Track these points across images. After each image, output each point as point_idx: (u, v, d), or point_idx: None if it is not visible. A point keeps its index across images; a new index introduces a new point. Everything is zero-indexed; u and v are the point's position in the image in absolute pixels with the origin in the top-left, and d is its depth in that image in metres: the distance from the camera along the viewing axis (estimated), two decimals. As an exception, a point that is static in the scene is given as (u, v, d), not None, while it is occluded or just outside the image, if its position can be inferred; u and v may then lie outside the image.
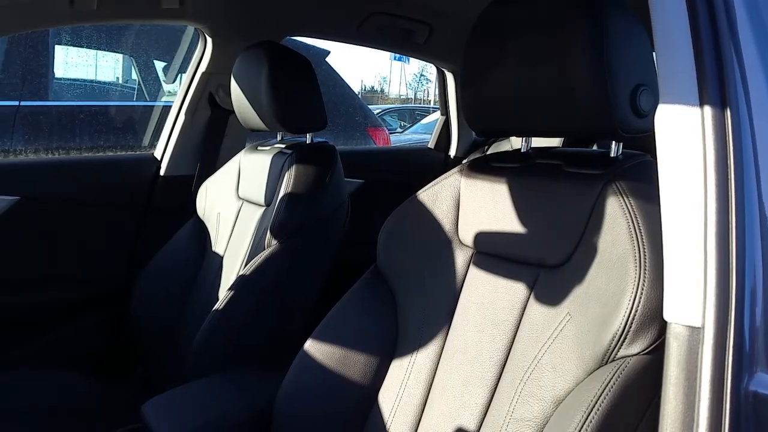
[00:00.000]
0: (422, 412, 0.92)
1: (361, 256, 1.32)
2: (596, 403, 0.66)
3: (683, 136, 0.57)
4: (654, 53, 0.76)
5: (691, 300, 0.55)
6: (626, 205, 0.76)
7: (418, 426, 0.91)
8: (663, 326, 0.67)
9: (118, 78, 3.27)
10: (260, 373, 1.17)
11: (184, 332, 1.44)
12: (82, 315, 1.65)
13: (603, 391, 0.66)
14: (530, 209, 0.88)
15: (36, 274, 1.59)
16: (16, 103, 2.46)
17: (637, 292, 0.68)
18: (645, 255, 0.70)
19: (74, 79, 2.96)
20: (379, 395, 0.97)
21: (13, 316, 1.55)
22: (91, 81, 3.08)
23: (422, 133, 6.28)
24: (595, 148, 1.84)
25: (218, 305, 1.25)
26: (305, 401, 0.98)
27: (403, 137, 6.62)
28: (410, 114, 10.14)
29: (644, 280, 0.68)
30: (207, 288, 1.48)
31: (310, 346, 1.00)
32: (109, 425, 1.07)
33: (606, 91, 0.77)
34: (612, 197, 0.78)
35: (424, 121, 7.74)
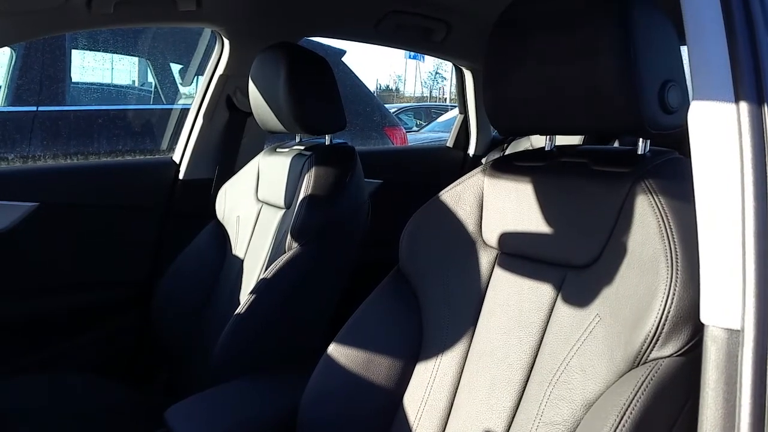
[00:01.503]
0: (448, 415, 0.91)
1: (383, 256, 1.31)
2: (629, 406, 0.64)
3: (718, 133, 0.55)
4: (683, 48, 0.74)
5: (729, 302, 0.54)
6: (656, 203, 0.74)
7: (444, 429, 0.90)
8: (697, 327, 0.65)
9: (134, 81, 3.29)
10: (283, 377, 1.17)
11: (206, 336, 1.44)
12: (105, 319, 1.66)
13: (636, 394, 0.64)
14: (556, 208, 0.87)
15: (57, 279, 1.61)
16: (34, 108, 2.49)
17: (669, 293, 0.66)
18: (677, 254, 0.68)
19: (91, 83, 2.98)
20: (404, 398, 0.96)
21: (36, 322, 1.57)
22: (108, 85, 3.11)
23: (439, 132, 6.26)
24: (616, 144, 1.81)
25: (240, 309, 1.25)
26: (330, 405, 0.97)
27: (420, 136, 6.60)
28: (426, 112, 10.11)
29: (677, 280, 0.66)
30: (228, 291, 1.48)
31: (334, 349, 0.99)
32: (133, 429, 1.07)
33: (633, 88, 0.75)
34: (641, 195, 0.76)
35: (441, 119, 7.70)
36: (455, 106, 2.38)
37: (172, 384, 1.58)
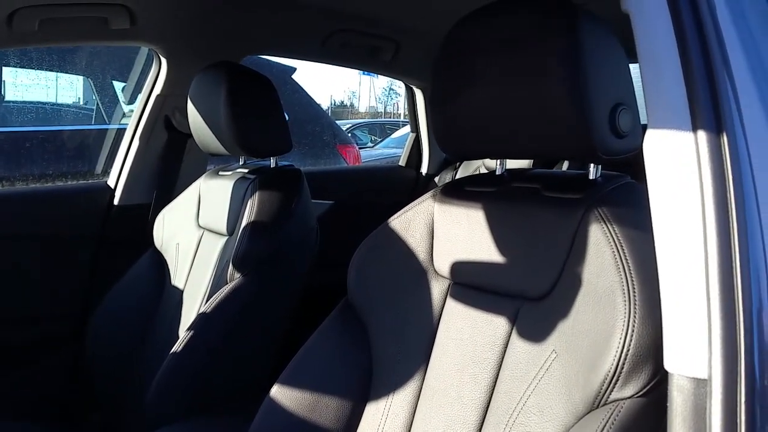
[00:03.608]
0: None
1: (334, 280, 1.25)
2: None
3: (676, 166, 0.52)
4: (633, 66, 0.71)
5: (694, 348, 0.50)
6: (610, 232, 0.70)
7: None
8: (658, 366, 0.61)
9: (79, 99, 3.15)
10: (225, 420, 1.09)
11: (142, 375, 1.34)
12: (33, 358, 1.53)
13: None
14: (508, 237, 0.83)
15: None
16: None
17: (627, 329, 0.62)
18: (634, 288, 0.64)
19: (27, 102, 2.83)
20: (354, 442, 0.89)
21: None
22: (45, 103, 2.95)
23: (393, 147, 6.24)
24: (565, 165, 1.81)
25: (176, 347, 1.16)
26: None
27: (375, 152, 6.57)
28: (381, 128, 10.11)
29: (635, 316, 0.62)
30: (167, 326, 1.39)
31: (277, 391, 0.92)
32: None
33: (583, 111, 0.72)
34: (594, 224, 0.72)
35: (395, 135, 7.71)
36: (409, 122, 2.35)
37: (107, 426, 1.46)
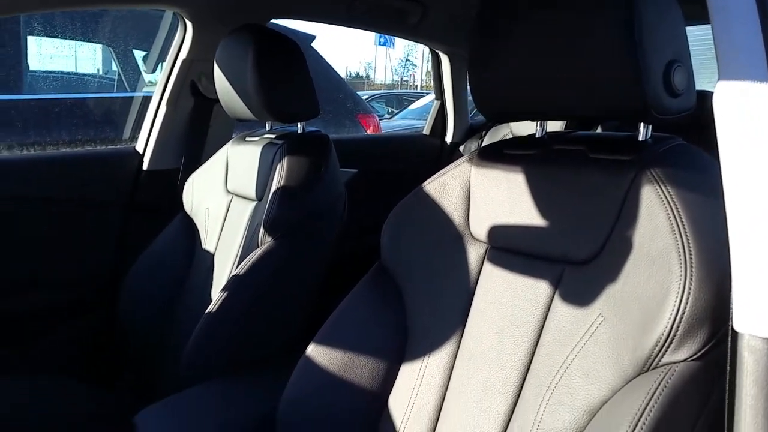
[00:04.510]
0: (437, 419, 0.85)
1: (359, 247, 1.25)
2: (642, 415, 0.59)
3: (751, 119, 0.49)
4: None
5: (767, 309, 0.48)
6: (664, 194, 0.68)
7: None
8: (714, 329, 0.60)
9: (98, 69, 3.15)
10: (259, 379, 1.10)
11: (176, 336, 1.36)
12: (68, 319, 1.56)
13: (649, 402, 0.59)
14: (551, 199, 0.81)
15: (13, 278, 1.50)
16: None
17: (683, 292, 0.61)
18: (690, 250, 0.62)
19: (51, 72, 2.83)
20: (389, 401, 0.89)
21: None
22: (69, 73, 2.96)
23: (411, 119, 6.19)
24: (599, 130, 1.77)
25: (211, 307, 1.17)
26: (310, 409, 0.91)
27: (392, 123, 6.51)
28: (398, 100, 10.01)
29: (691, 279, 0.61)
30: (199, 288, 1.40)
31: (313, 350, 0.92)
32: None
33: (638, 67, 0.69)
34: (647, 186, 0.70)
35: (413, 106, 7.62)
36: (427, 93, 2.32)
37: (140, 386, 1.49)
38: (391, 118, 7.87)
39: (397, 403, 0.89)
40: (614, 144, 0.80)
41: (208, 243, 1.46)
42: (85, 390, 1.36)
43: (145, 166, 1.66)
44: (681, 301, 0.60)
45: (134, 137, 1.76)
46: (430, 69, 2.36)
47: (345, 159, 1.62)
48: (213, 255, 1.42)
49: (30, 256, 1.51)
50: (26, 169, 1.54)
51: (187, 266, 1.47)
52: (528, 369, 0.77)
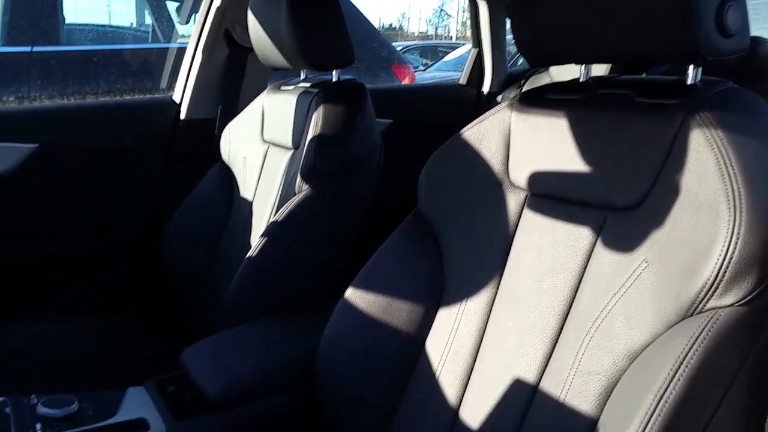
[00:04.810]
0: (474, 361, 0.86)
1: (394, 197, 1.25)
2: (684, 360, 0.58)
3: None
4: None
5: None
6: (714, 138, 0.66)
7: (470, 376, 0.85)
8: (763, 275, 0.59)
9: (131, 23, 3.16)
10: (299, 321, 1.13)
11: (217, 280, 1.40)
12: (110, 264, 1.62)
13: (692, 348, 0.59)
14: (595, 145, 0.79)
15: (59, 223, 1.56)
16: (28, 48, 2.38)
17: (731, 237, 0.59)
18: (740, 194, 0.61)
19: (86, 25, 2.86)
20: (426, 345, 0.91)
21: (42, 266, 1.53)
22: (104, 26, 2.98)
23: (446, 71, 6.07)
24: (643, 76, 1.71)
25: (251, 253, 1.20)
26: (347, 350, 0.93)
27: (427, 75, 6.40)
28: (432, 51, 9.80)
29: (740, 223, 0.59)
30: (239, 235, 1.43)
31: (351, 294, 0.94)
32: (148, 372, 1.04)
33: (688, 7, 0.66)
34: (696, 130, 0.68)
35: (448, 57, 7.46)
36: (463, 44, 2.25)
37: (185, 327, 1.55)
38: (425, 69, 7.73)
39: (434, 346, 0.90)
40: (662, 87, 0.77)
41: (246, 191, 1.48)
42: (131, 331, 1.42)
43: (182, 116, 1.68)
44: (729, 245, 0.59)
45: (171, 87, 1.77)
46: (465, 19, 2.30)
47: (379, 109, 1.61)
48: (251, 203, 1.45)
49: (73, 201, 1.56)
50: (68, 117, 1.58)
51: (226, 214, 1.50)
52: (567, 314, 0.77)
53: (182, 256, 1.50)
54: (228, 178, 1.54)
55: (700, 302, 0.61)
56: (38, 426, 0.85)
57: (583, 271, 0.77)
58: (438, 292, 0.93)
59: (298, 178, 1.24)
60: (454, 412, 0.85)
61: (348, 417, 0.94)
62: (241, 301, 1.19)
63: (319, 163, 1.23)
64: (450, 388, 0.86)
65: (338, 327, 0.95)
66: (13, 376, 1.12)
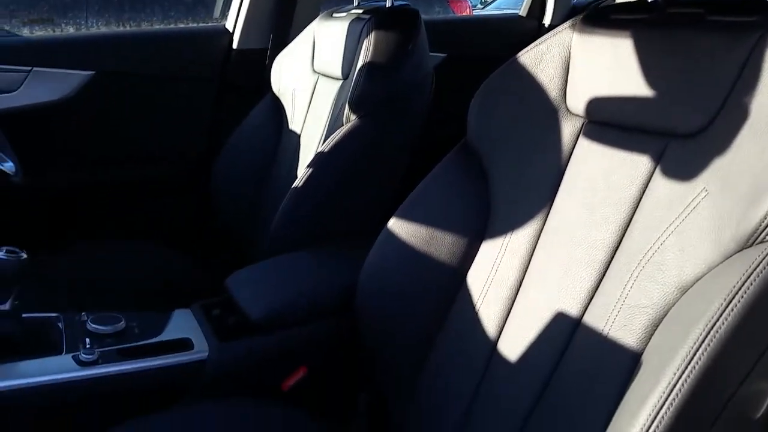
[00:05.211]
0: (516, 294, 0.84)
1: (445, 134, 1.22)
2: (740, 290, 0.55)
3: None
4: None
5: None
6: None
7: (511, 309, 0.84)
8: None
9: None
10: (343, 252, 1.13)
11: (264, 210, 1.42)
12: (165, 192, 1.66)
13: (749, 278, 0.55)
14: (661, 68, 0.74)
15: (113, 150, 1.60)
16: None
17: None
18: None
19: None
20: (468, 276, 0.90)
21: (91, 193, 1.58)
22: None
23: (506, 9, 5.80)
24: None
25: (297, 182, 1.20)
26: (389, 279, 0.93)
27: (485, 13, 6.14)
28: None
29: None
30: (286, 165, 1.44)
31: (394, 223, 0.93)
32: (195, 298, 1.08)
33: None
34: None
35: (509, -6, 7.12)
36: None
37: (231, 257, 1.59)
38: (483, 7, 7.42)
39: (476, 278, 0.89)
40: (737, 5, 0.70)
41: (294, 123, 1.48)
42: (179, 259, 1.46)
43: (235, 45, 1.67)
44: None
45: (224, 15, 1.76)
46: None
47: (433, 42, 1.55)
48: (299, 135, 1.44)
49: (127, 130, 1.60)
50: (123, 45, 1.60)
51: (274, 146, 1.51)
52: (617, 247, 0.74)
53: (231, 187, 1.53)
54: (277, 110, 1.53)
55: (761, 232, 0.57)
56: (87, 340, 0.90)
57: (638, 202, 0.73)
58: (483, 224, 0.90)
59: (346, 107, 1.22)
60: (493, 344, 0.84)
61: (386, 348, 0.94)
62: (286, 232, 1.20)
63: (368, 91, 1.21)
64: (489, 321, 0.85)
65: (379, 257, 0.94)
66: (68, 295, 1.17)
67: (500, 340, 0.83)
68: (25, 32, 1.78)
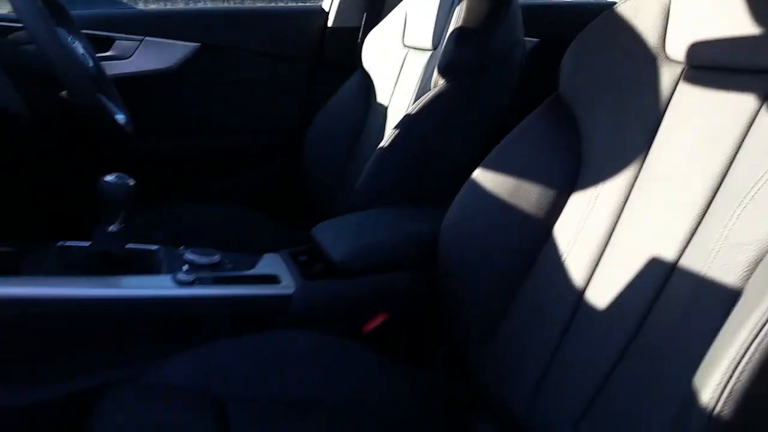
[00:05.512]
0: (607, 243, 0.81)
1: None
2: None
3: None
4: None
5: None
6: None
7: (600, 257, 0.81)
8: None
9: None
10: (428, 207, 1.14)
11: (351, 177, 1.46)
12: (258, 160, 1.74)
13: None
14: (766, 4, 0.70)
15: (212, 119, 1.69)
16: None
17: None
18: None
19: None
20: (555, 228, 0.88)
21: (193, 157, 1.68)
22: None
23: None
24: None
25: (383, 143, 1.22)
26: (472, 230, 0.93)
27: None
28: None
29: None
30: (373, 135, 1.47)
31: (479, 174, 0.93)
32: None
33: None
34: None
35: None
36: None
37: (317, 222, 1.64)
38: None
39: (564, 229, 0.87)
40: None
41: (382, 96, 1.51)
42: (271, 222, 1.52)
43: (330, 23, 1.73)
44: None
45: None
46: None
47: (526, 27, 1.54)
48: (386, 107, 1.47)
49: (227, 101, 1.69)
50: (227, 20, 1.69)
51: (363, 117, 1.55)
52: (718, 188, 0.70)
53: (321, 156, 1.57)
54: (367, 85, 1.57)
55: None
56: (184, 267, 0.95)
57: (741, 142, 0.69)
58: (573, 175, 0.88)
59: (435, 73, 1.23)
60: (580, 293, 0.82)
61: (467, 299, 0.94)
62: (370, 190, 1.23)
63: (457, 57, 1.21)
64: (576, 272, 0.83)
65: (463, 207, 0.94)
66: (167, 238, 1.25)
67: (588, 288, 0.81)
68: (140, 5, 1.92)
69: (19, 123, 1.04)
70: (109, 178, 0.89)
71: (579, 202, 0.86)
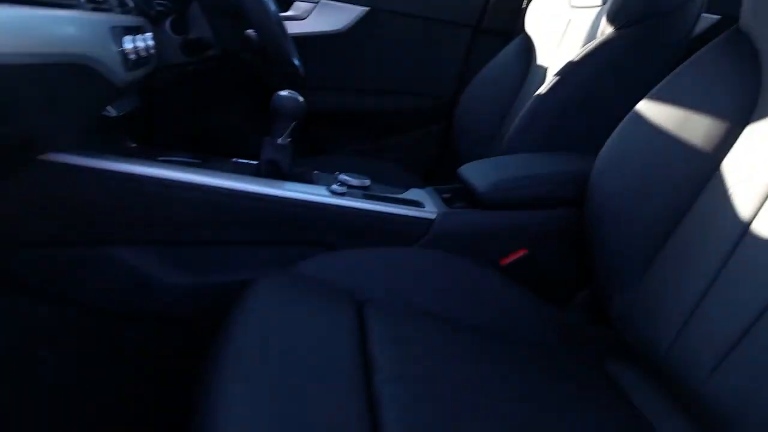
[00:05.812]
0: None
1: None
2: None
3: None
4: None
5: None
6: None
7: (765, 200, 0.74)
8: None
9: None
10: (578, 154, 1.10)
11: (504, 139, 1.45)
12: (413, 122, 1.79)
13: None
14: None
15: (376, 81, 1.76)
16: None
17: None
18: None
19: None
20: (723, 164, 0.81)
21: (353, 116, 1.76)
22: None
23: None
24: None
25: (541, 89, 1.20)
26: (632, 163, 0.88)
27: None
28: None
29: None
30: (530, 95, 1.44)
31: (644, 105, 0.89)
32: None
33: None
34: None
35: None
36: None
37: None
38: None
39: (730, 166, 0.80)
40: None
41: (544, 59, 1.48)
42: (418, 179, 1.55)
43: None
44: None
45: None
46: None
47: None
48: (547, 68, 1.44)
49: (390, 63, 1.76)
50: None
51: (520, 81, 1.53)
52: None
53: (474, 122, 1.58)
54: (528, 49, 1.55)
55: None
56: (337, 183, 1.01)
57: None
58: (748, 109, 0.81)
59: (603, 20, 1.19)
60: (746, 225, 0.75)
61: (618, 238, 0.89)
62: (524, 134, 1.21)
63: (626, 4, 1.16)
64: (744, 204, 0.76)
65: (622, 139, 0.90)
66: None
67: (755, 219, 0.74)
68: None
69: (208, 55, 1.18)
70: (282, 93, 0.98)
71: (751, 137, 0.79)
